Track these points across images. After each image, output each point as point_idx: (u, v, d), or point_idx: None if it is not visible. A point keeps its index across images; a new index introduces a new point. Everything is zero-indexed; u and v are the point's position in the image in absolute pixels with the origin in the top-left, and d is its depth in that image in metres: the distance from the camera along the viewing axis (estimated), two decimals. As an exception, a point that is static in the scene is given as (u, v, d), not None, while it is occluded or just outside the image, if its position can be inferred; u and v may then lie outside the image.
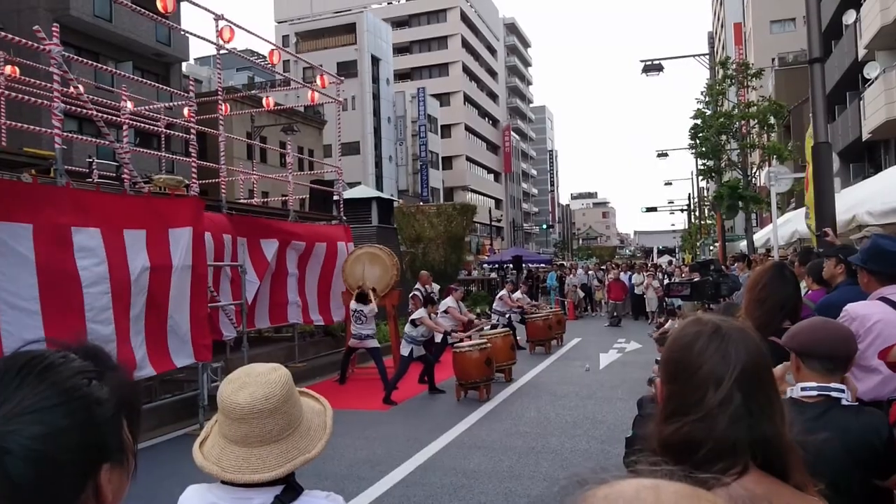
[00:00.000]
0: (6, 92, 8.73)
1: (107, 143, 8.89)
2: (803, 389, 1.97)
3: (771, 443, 1.15)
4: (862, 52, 21.93)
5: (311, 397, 1.66)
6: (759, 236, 20.49)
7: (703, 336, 1.22)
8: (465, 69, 66.13)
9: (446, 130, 62.41)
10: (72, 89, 8.09)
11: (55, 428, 0.73)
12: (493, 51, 76.37)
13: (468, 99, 66.96)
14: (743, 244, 23.62)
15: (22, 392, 0.75)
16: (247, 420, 1.45)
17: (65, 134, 7.33)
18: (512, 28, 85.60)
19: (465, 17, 65.93)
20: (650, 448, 1.20)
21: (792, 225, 13.95)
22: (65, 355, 0.81)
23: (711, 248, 34.70)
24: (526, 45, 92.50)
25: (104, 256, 6.97)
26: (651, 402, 3.12)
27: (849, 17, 21.81)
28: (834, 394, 1.95)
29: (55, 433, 0.73)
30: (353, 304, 10.48)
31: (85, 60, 10.81)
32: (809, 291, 4.43)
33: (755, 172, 22.57)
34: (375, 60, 51.33)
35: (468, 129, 66.62)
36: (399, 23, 64.13)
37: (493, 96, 76.00)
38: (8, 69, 10.61)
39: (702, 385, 1.17)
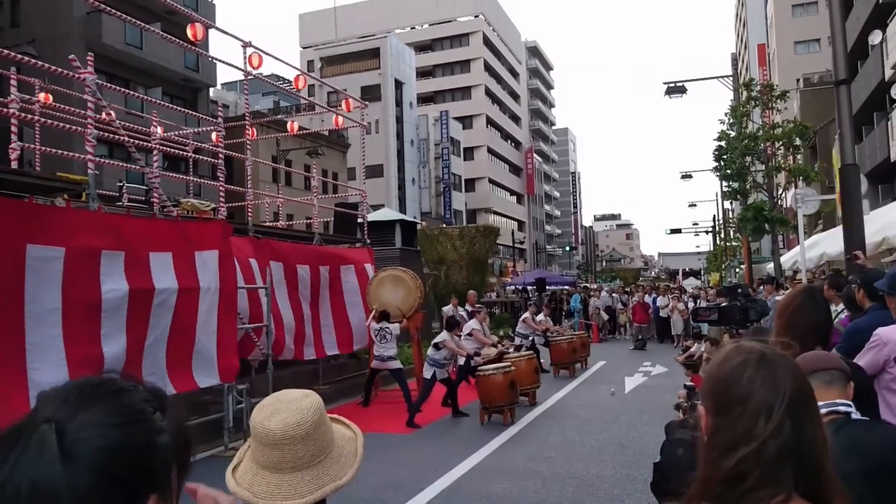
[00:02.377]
0: (41, 119, 8.95)
1: (137, 167, 9.08)
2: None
3: (815, 471, 1.14)
4: (889, 73, 21.70)
5: (342, 423, 1.67)
6: (786, 258, 20.22)
7: (749, 364, 1.20)
8: (488, 92, 66.56)
9: (469, 153, 62.68)
10: (104, 115, 8.30)
11: (121, 445, 0.77)
12: (515, 74, 76.81)
13: (491, 122, 67.29)
14: (770, 266, 23.33)
15: (96, 407, 0.79)
16: (278, 446, 1.46)
17: (97, 159, 7.50)
18: (534, 51, 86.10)
19: (487, 41, 66.48)
20: (699, 481, 1.18)
21: (819, 248, 13.77)
22: (134, 384, 0.86)
23: (737, 270, 34.31)
24: (548, 67, 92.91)
25: (126, 279, 7.09)
26: (680, 427, 3.09)
27: (875, 38, 21.63)
28: (841, 408, 1.92)
29: (120, 450, 0.77)
30: (376, 324, 10.50)
31: (116, 87, 11.08)
32: (843, 316, 4.36)
33: (781, 194, 22.35)
34: (399, 84, 51.87)
35: (491, 151, 66.86)
36: (422, 47, 64.84)
37: (515, 119, 76.30)
38: (42, 96, 10.89)
39: (752, 415, 1.15)
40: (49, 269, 6.34)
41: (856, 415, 1.93)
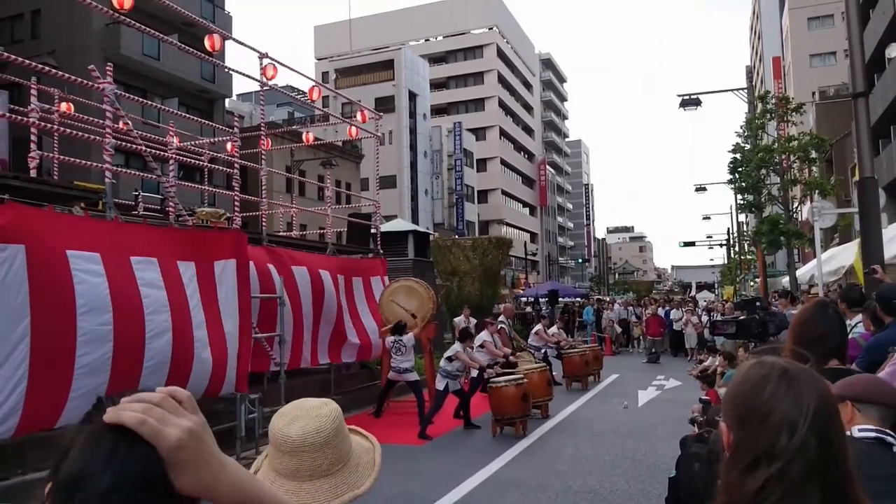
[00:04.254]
0: (60, 128, 9.06)
1: (153, 177, 9.15)
2: (861, 430, 1.95)
3: (841, 489, 1.12)
4: (906, 86, 21.57)
5: (360, 434, 1.67)
6: (802, 272, 20.04)
7: (772, 379, 1.18)
8: (501, 104, 66.70)
9: (482, 164, 62.76)
10: (122, 125, 8.39)
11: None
12: (528, 86, 76.96)
13: (504, 133, 67.39)
14: (785, 280, 23.12)
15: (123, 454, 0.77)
16: (297, 453, 1.46)
17: (114, 168, 7.58)
18: (548, 63, 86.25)
19: (501, 54, 66.71)
20: (720, 500, 1.16)
21: (836, 261, 13.63)
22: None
23: (752, 283, 34.06)
24: (562, 79, 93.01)
25: (162, 286, 7.13)
26: (696, 441, 3.04)
27: (892, 51, 21.49)
28: (889, 439, 1.92)
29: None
30: (390, 337, 10.49)
31: (133, 97, 11.19)
32: (863, 331, 4.32)
33: (797, 207, 22.18)
34: (413, 96, 52.10)
35: (504, 163, 66.93)
36: (436, 59, 65.15)
37: (528, 130, 76.38)
38: (63, 106, 11.02)
39: (775, 431, 1.13)
40: (92, 277, 6.36)
41: None
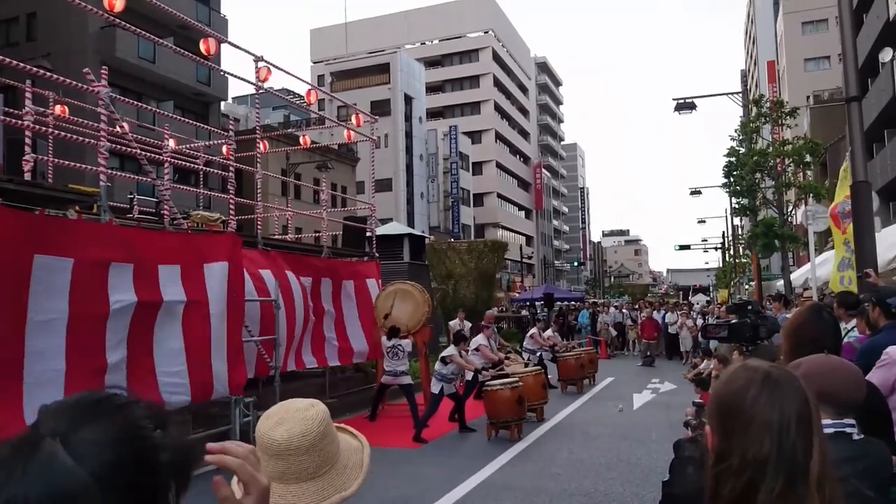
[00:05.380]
0: (55, 131, 9.04)
1: (148, 180, 9.13)
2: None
3: (822, 489, 1.13)
4: (900, 90, 21.68)
5: (349, 433, 1.65)
6: (797, 276, 20.11)
7: (754, 384, 1.19)
8: (497, 107, 66.79)
9: (478, 168, 62.82)
10: (117, 128, 8.38)
11: (122, 461, 0.77)
12: (524, 89, 77.10)
13: (499, 137, 67.48)
14: (780, 283, 23.19)
15: (97, 423, 0.79)
16: (283, 456, 1.44)
17: (109, 171, 7.56)
18: (543, 67, 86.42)
19: (496, 57, 66.81)
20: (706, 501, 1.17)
21: (830, 264, 13.66)
22: (136, 400, 0.86)
23: (747, 287, 34.14)
24: (557, 83, 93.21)
25: (135, 291, 7.12)
26: (690, 444, 3.06)
27: (885, 55, 21.60)
28: (847, 429, 1.93)
29: (122, 466, 0.77)
30: (388, 341, 10.48)
31: (129, 100, 11.18)
32: (858, 335, 4.33)
33: (791, 211, 22.26)
34: (408, 99, 52.14)
35: (499, 166, 67.00)
36: (432, 62, 65.21)
37: (524, 134, 76.49)
38: (58, 109, 11.00)
39: (758, 435, 1.14)
40: (56, 279, 6.38)
41: (857, 435, 1.93)
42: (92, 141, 8.27)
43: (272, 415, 1.51)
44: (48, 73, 8.09)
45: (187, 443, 0.90)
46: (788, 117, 21.82)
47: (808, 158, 20.76)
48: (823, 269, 13.50)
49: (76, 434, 0.77)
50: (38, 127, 9.06)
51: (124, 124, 8.35)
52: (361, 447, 1.62)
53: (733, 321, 4.05)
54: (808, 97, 36.42)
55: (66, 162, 10.86)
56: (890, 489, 1.28)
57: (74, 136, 8.90)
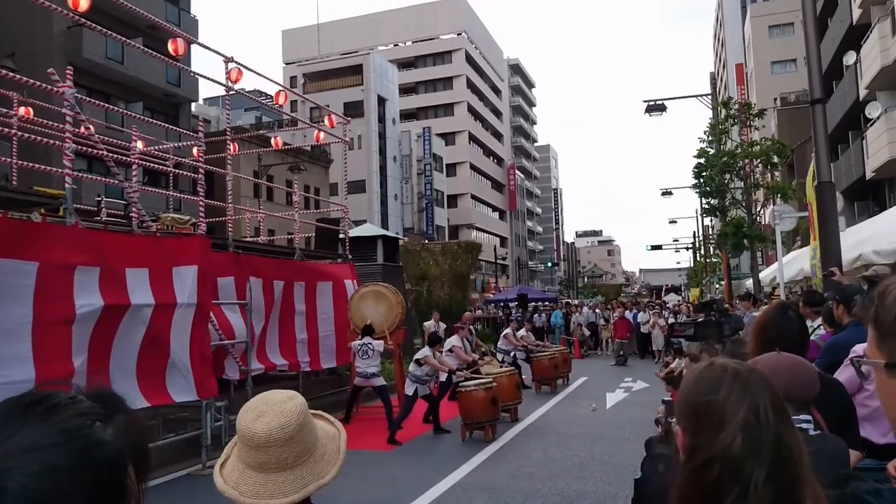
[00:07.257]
0: (19, 133, 8.86)
1: (116, 182, 8.99)
2: None
3: (796, 485, 1.13)
4: (863, 93, 22.15)
5: (326, 420, 1.71)
6: (766, 274, 20.45)
7: (724, 381, 1.19)
8: (471, 109, 66.94)
9: (451, 169, 62.89)
10: (83, 129, 8.23)
11: (53, 467, 0.72)
12: (497, 91, 77.37)
13: (473, 138, 67.62)
14: (749, 282, 23.56)
15: (24, 430, 0.74)
16: (263, 448, 1.50)
17: (75, 174, 7.43)
18: (516, 69, 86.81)
19: (469, 59, 66.97)
20: (675, 500, 1.17)
21: (798, 263, 13.92)
22: (73, 397, 0.80)
23: (718, 285, 34.62)
24: (530, 85, 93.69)
25: (101, 295, 7.02)
26: (660, 442, 3.08)
27: (849, 59, 22.09)
28: (803, 425, 1.96)
29: (53, 473, 0.71)
30: (358, 340, 10.43)
31: (96, 101, 10.98)
32: (823, 332, 4.41)
33: (760, 211, 22.63)
34: (382, 101, 52.03)
35: (473, 167, 67.14)
36: (405, 64, 65.16)
37: (497, 136, 76.75)
38: (22, 110, 10.78)
39: (728, 432, 1.13)
40: (20, 283, 6.26)
41: (812, 431, 1.98)
42: (57, 143, 8.12)
43: (252, 407, 1.56)
44: (12, 74, 7.92)
45: (138, 422, 0.85)
46: (756, 119, 22.19)
47: (775, 159, 21.14)
48: (791, 266, 13.75)
49: (2, 446, 0.71)
50: (1, 128, 8.87)
51: (90, 126, 8.21)
52: (338, 434, 1.68)
53: (700, 320, 4.12)
54: (775, 99, 37.03)
55: (31, 164, 10.65)
56: (849, 483, 1.29)
57: (39, 138, 8.72)
